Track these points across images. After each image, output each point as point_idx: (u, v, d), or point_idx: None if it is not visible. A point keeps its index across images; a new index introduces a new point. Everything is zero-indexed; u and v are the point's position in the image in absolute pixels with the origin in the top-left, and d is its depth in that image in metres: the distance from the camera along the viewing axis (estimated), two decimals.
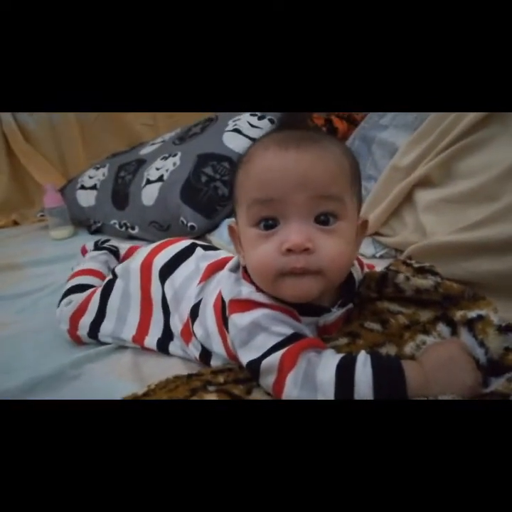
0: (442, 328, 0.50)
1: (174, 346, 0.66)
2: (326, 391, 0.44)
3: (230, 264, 0.58)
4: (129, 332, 0.69)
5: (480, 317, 0.48)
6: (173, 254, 0.70)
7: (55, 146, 1.78)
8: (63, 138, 1.76)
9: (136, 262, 0.72)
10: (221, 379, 0.52)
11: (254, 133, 1.18)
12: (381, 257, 0.93)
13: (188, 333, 0.63)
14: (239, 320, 0.51)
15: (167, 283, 0.67)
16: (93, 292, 0.75)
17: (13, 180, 1.75)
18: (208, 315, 0.59)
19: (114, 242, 0.96)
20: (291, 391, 0.46)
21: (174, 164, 1.21)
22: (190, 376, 0.54)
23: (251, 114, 1.23)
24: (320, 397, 0.45)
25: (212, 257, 0.67)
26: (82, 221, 1.45)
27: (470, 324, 0.48)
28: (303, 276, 0.48)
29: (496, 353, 0.46)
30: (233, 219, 0.58)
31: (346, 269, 0.54)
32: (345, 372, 0.44)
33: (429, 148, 0.87)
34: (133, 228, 1.27)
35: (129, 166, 1.36)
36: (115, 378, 0.63)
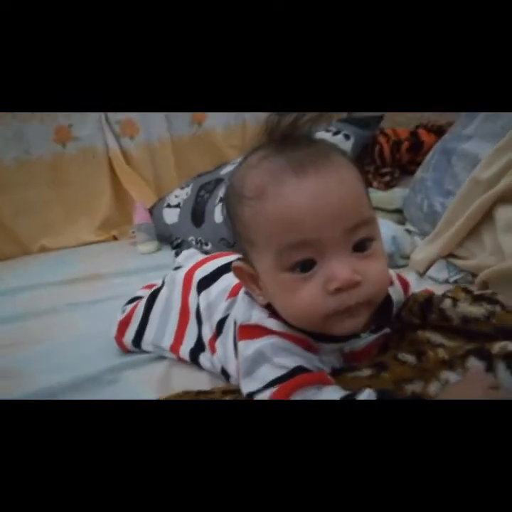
0: (473, 362, 0.41)
1: (204, 358, 0.65)
2: None
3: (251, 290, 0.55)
4: (168, 341, 0.70)
5: None
6: (213, 268, 0.69)
7: (151, 168, 1.91)
8: (159, 160, 1.89)
9: (182, 271, 0.74)
10: (228, 398, 0.49)
11: None
12: (455, 282, 0.82)
13: (214, 344, 0.61)
14: (245, 348, 0.48)
15: (202, 294, 0.66)
16: (140, 301, 0.77)
17: (115, 200, 1.91)
18: (230, 334, 0.57)
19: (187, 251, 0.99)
20: None
21: None
22: (198, 393, 0.52)
23: (326, 131, 1.19)
24: None
25: None
26: (166, 237, 1.53)
27: (509, 359, 0.39)
28: (353, 311, 0.44)
29: None
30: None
31: (388, 286, 0.50)
32: None
33: None
34: (207, 244, 1.30)
35: (209, 185, 1.41)
36: (145, 387, 0.64)
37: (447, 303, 0.50)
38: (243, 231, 0.48)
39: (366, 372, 0.49)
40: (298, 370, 0.44)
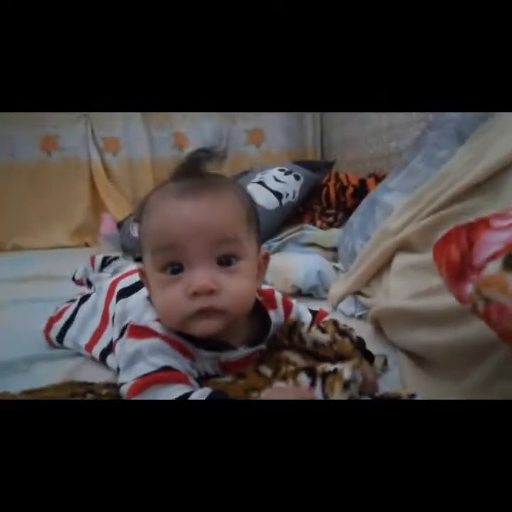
0: (303, 377, 0.49)
1: (111, 358, 0.71)
2: None
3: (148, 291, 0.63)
4: (85, 340, 0.77)
5: (335, 371, 0.47)
6: (137, 280, 0.75)
7: (130, 184, 2.02)
8: (138, 177, 2.00)
9: (109, 280, 0.81)
10: (104, 391, 0.56)
11: (278, 187, 1.24)
12: (360, 317, 0.90)
13: (115, 345, 0.68)
14: (129, 345, 0.55)
15: (120, 302, 0.73)
16: (73, 302, 0.85)
17: (91, 209, 2.01)
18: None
19: (120, 260, 1.07)
20: None
21: None
22: (83, 383, 0.59)
23: (279, 169, 1.30)
24: None
25: None
26: (130, 249, 1.61)
27: (324, 377, 0.47)
28: (209, 315, 0.52)
29: None
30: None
31: (250, 303, 0.57)
32: None
33: (417, 213, 0.85)
34: None
35: None
36: (52, 379, 0.70)
37: (304, 328, 0.59)
38: (140, 239, 0.58)
39: (227, 379, 0.56)
40: (164, 369, 0.52)
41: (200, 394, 0.47)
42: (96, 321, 0.77)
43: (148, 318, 0.57)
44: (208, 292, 0.50)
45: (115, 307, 0.73)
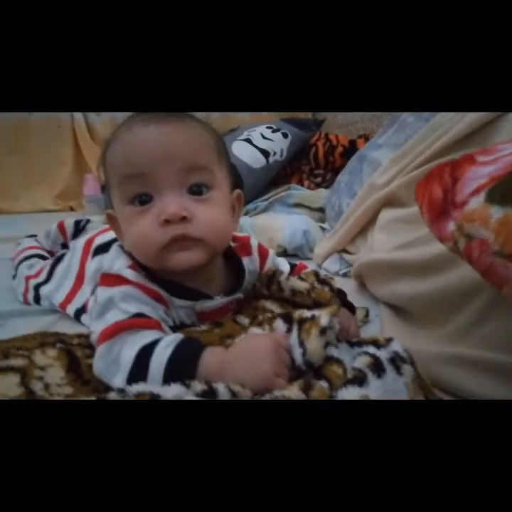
0: (279, 323, 0.47)
1: (85, 318, 0.69)
2: (125, 370, 0.44)
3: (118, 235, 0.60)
4: (59, 298, 0.75)
5: (312, 317, 0.45)
6: (113, 236, 0.74)
7: None
8: None
9: (83, 239, 0.78)
10: (75, 341, 0.55)
11: (265, 144, 1.20)
12: (344, 274, 0.89)
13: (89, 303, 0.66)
14: (101, 294, 0.53)
15: (96, 258, 0.71)
16: (48, 262, 0.83)
17: (75, 171, 1.95)
18: None
19: (95, 223, 1.03)
20: (97, 363, 0.47)
21: None
22: (54, 333, 0.57)
23: (267, 127, 1.25)
24: (121, 375, 0.44)
25: None
26: None
27: (300, 323, 0.45)
28: (185, 245, 0.50)
29: (315, 356, 0.43)
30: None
31: (227, 236, 0.56)
32: (144, 353, 0.45)
33: (404, 167, 0.83)
34: None
35: None
36: (25, 333, 0.69)
37: (283, 277, 0.57)
38: (105, 177, 0.55)
39: (203, 327, 0.55)
40: (136, 316, 0.49)
41: (172, 339, 0.46)
42: (70, 281, 0.75)
43: (120, 266, 0.55)
44: (180, 220, 0.48)
45: (92, 264, 0.71)
